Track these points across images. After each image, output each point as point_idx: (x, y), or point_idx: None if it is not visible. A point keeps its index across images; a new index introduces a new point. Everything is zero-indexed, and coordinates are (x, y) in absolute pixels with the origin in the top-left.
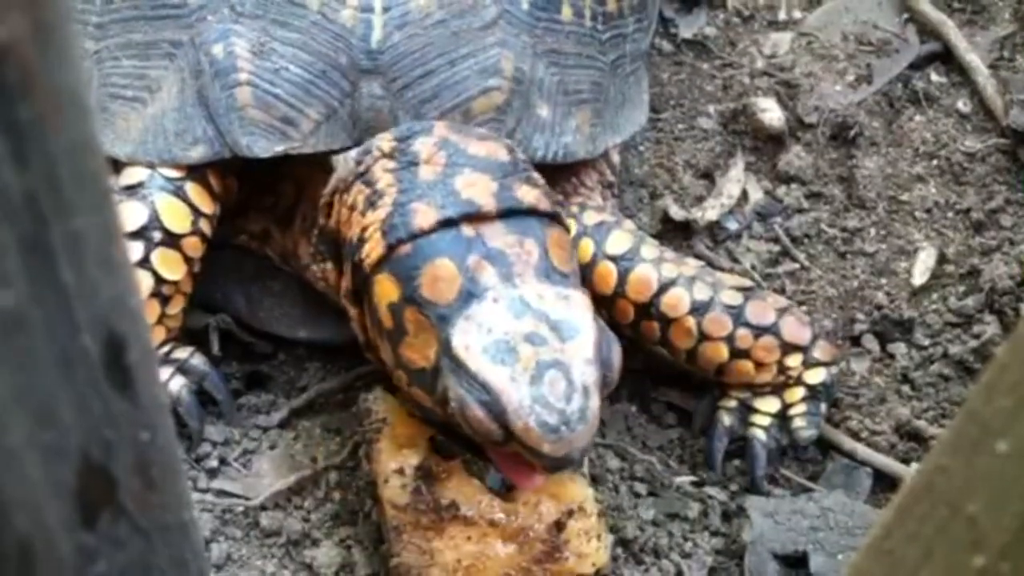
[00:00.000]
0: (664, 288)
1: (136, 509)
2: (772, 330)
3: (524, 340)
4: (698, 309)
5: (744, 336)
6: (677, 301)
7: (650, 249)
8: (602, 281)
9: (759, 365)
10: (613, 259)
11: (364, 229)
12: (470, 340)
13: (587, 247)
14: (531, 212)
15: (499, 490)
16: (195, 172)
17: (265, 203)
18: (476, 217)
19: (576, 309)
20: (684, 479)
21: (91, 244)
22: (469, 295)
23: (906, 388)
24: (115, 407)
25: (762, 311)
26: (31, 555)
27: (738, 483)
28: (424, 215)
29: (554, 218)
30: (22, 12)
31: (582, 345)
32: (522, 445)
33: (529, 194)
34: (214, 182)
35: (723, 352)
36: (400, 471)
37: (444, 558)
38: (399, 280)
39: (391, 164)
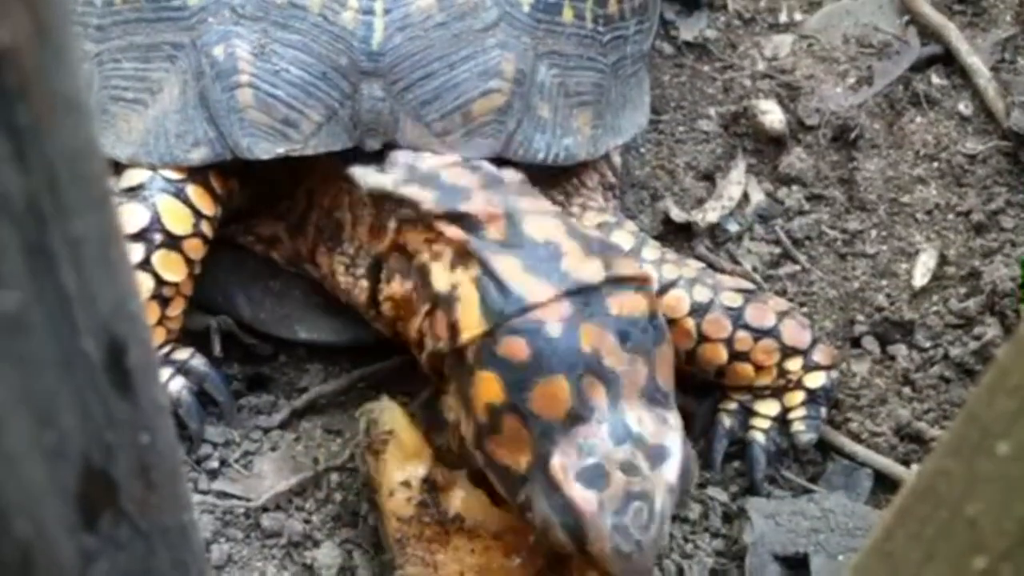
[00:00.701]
0: (664, 289)
1: (137, 511)
2: (772, 333)
3: (618, 468)
4: (698, 311)
5: (743, 339)
6: (677, 302)
7: (651, 250)
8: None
9: (759, 368)
10: None
11: (455, 287)
12: (568, 463)
13: None
14: (631, 281)
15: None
16: (196, 174)
17: (279, 209)
18: (583, 291)
19: (671, 433)
20: None
21: (92, 246)
22: (576, 416)
23: (907, 390)
24: (116, 410)
25: (762, 314)
26: (31, 558)
27: (739, 484)
28: (530, 286)
29: (653, 293)
30: (21, 15)
31: (669, 471)
32: (592, 560)
33: (621, 262)
34: (216, 184)
35: (722, 354)
36: (406, 483)
37: (448, 570)
38: (507, 385)
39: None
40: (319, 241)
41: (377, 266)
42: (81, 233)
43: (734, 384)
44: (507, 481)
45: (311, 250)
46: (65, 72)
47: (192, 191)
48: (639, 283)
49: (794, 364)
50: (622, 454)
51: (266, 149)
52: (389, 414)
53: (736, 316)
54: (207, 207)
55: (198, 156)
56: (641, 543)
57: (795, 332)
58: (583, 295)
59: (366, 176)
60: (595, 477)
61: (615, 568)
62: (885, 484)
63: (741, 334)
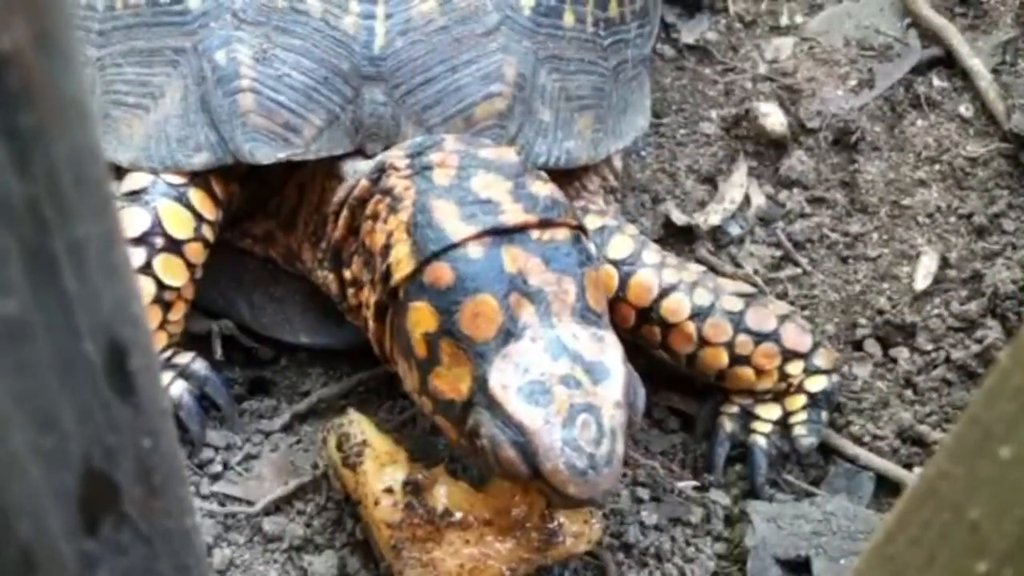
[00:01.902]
0: (665, 293)
1: (138, 515)
2: (773, 337)
3: (559, 382)
4: (699, 314)
5: (744, 342)
6: (678, 306)
7: (652, 254)
8: (603, 286)
9: (760, 372)
10: (615, 263)
11: (389, 235)
12: (507, 380)
13: None
14: (559, 224)
15: (475, 482)
16: (198, 178)
17: (269, 206)
18: (508, 231)
19: (609, 351)
20: (687, 484)
21: (93, 251)
22: (508, 334)
23: (908, 393)
24: (117, 413)
25: (763, 318)
26: (33, 562)
27: (740, 488)
28: (454, 226)
29: (584, 236)
30: (24, 20)
31: (613, 388)
32: (547, 484)
33: (543, 189)
34: (217, 188)
35: (723, 358)
36: (389, 490)
37: (446, 566)
38: (438, 311)
39: (406, 173)
40: (305, 236)
41: (338, 254)
42: (83, 237)
43: (735, 388)
44: (453, 415)
45: (299, 245)
46: (68, 77)
47: (194, 195)
48: (570, 228)
49: (795, 368)
50: (561, 369)
51: (268, 154)
52: (359, 425)
53: (737, 320)
54: (208, 211)
55: (200, 161)
56: (594, 458)
57: (796, 336)
58: (509, 234)
59: (355, 165)
60: (537, 393)
61: (571, 487)
62: (887, 487)
63: (742, 338)
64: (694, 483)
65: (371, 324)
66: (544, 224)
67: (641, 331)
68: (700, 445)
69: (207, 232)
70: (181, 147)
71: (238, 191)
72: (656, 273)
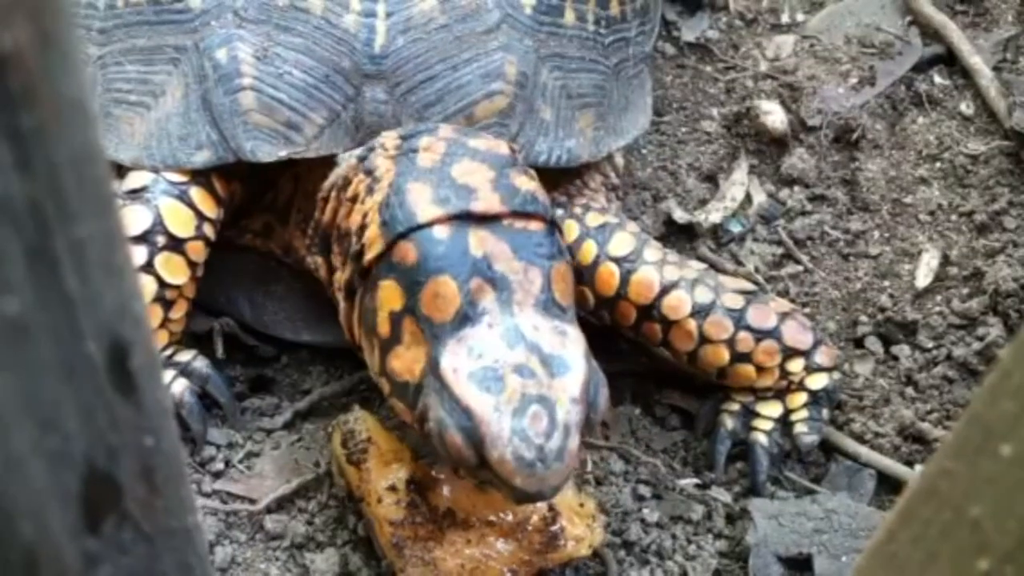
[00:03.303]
0: (666, 290)
1: (141, 514)
2: (773, 334)
3: (513, 371)
4: (700, 312)
5: (745, 339)
6: (679, 303)
7: (653, 251)
8: (604, 283)
9: (760, 369)
10: (616, 261)
11: (364, 216)
12: (459, 363)
13: (590, 249)
14: (534, 217)
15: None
16: (199, 176)
17: (265, 200)
18: (479, 218)
19: (570, 346)
20: (688, 481)
21: (95, 251)
22: (465, 317)
23: (910, 390)
24: (119, 413)
25: (764, 315)
26: (36, 561)
27: (741, 486)
28: (424, 207)
29: (557, 230)
30: (25, 20)
31: (571, 383)
32: (494, 474)
33: (527, 184)
34: (218, 186)
35: (724, 355)
36: (392, 488)
37: (447, 566)
38: (403, 289)
39: (392, 153)
40: (296, 224)
41: (326, 238)
42: (84, 237)
43: (736, 385)
44: (407, 397)
45: (291, 233)
46: (69, 77)
47: (195, 193)
48: (543, 222)
49: (796, 365)
50: (516, 358)
51: (269, 152)
52: (364, 423)
53: (738, 317)
54: (209, 209)
55: (201, 159)
56: (544, 450)
57: (797, 333)
58: (479, 220)
59: (352, 152)
60: (489, 379)
61: (517, 478)
62: (888, 485)
63: (743, 335)
64: (695, 481)
65: (342, 304)
66: (516, 215)
67: (642, 328)
68: (701, 443)
69: (208, 230)
70: (182, 145)
71: (239, 189)
72: (657, 270)
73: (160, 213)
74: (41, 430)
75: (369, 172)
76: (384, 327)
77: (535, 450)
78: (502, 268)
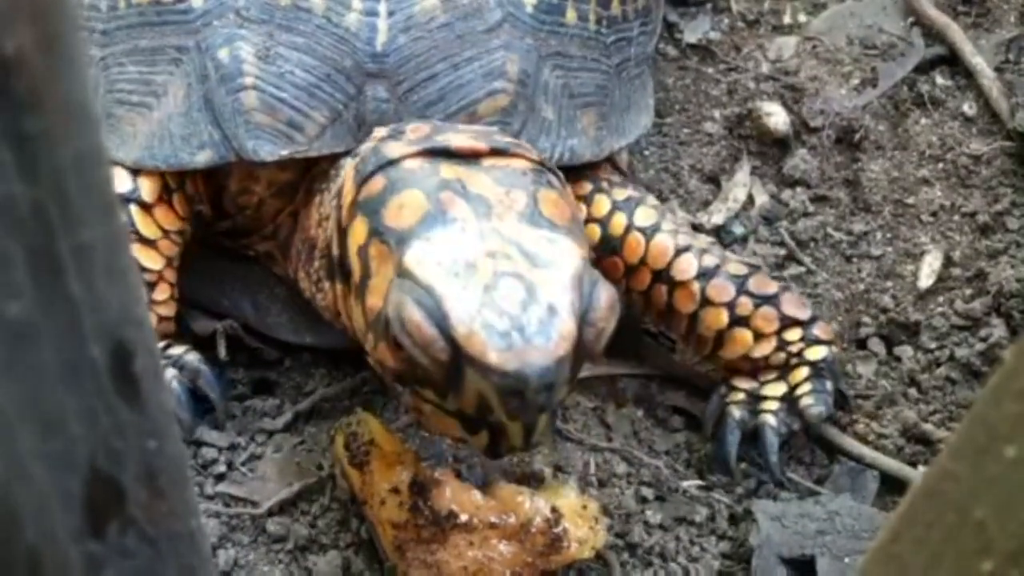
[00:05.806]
0: (678, 253)
1: (144, 518)
2: (772, 301)
3: (486, 256)
4: (704, 274)
5: (744, 303)
6: (687, 266)
7: (669, 222)
8: (632, 251)
9: (758, 335)
10: (641, 231)
11: (341, 193)
12: (424, 256)
13: (620, 220)
14: (518, 156)
15: (479, 484)
16: (169, 190)
17: (266, 232)
18: (455, 155)
19: (560, 248)
20: (691, 483)
21: (98, 255)
22: (433, 220)
23: (913, 391)
24: (122, 416)
25: (764, 284)
26: (39, 564)
27: (745, 487)
28: (397, 149)
29: (546, 170)
30: (29, 24)
31: (556, 273)
32: (469, 363)
33: (514, 144)
34: (191, 188)
35: (723, 318)
36: (395, 490)
37: (450, 568)
38: (367, 216)
39: (381, 136)
40: (298, 261)
41: (329, 261)
42: (88, 241)
43: (733, 355)
44: (378, 331)
45: (295, 269)
46: (74, 80)
47: (158, 211)
48: (527, 160)
49: (793, 335)
50: (491, 247)
51: (271, 151)
52: (367, 425)
53: (740, 283)
54: (171, 223)
55: (203, 158)
56: (519, 320)
57: (795, 304)
58: (454, 156)
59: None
60: (457, 264)
61: (492, 353)
62: (891, 486)
63: (743, 299)
64: (699, 482)
65: (326, 287)
66: (497, 153)
67: (651, 293)
68: (704, 444)
69: (176, 238)
70: (184, 145)
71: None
72: (672, 237)
73: (131, 215)
74: (44, 433)
75: (355, 155)
76: (357, 268)
77: (508, 319)
78: (478, 189)
